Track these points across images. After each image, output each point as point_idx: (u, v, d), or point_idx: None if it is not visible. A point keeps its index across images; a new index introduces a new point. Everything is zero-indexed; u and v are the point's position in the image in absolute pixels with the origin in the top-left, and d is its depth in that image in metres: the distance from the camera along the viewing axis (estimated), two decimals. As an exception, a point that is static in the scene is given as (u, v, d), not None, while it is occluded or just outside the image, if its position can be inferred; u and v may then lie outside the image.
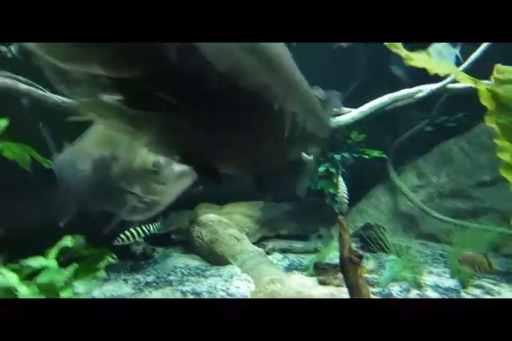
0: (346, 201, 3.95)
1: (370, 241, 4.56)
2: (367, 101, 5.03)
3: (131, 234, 3.80)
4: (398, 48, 2.72)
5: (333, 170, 5.62)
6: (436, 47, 3.96)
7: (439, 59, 3.54)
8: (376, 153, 5.56)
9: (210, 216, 5.23)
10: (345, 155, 5.56)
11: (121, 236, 3.75)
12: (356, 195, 5.82)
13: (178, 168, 2.23)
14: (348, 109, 5.02)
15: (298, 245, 5.28)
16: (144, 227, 3.90)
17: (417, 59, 2.73)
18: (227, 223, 5.12)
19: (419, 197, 5.66)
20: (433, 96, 5.02)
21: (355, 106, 5.02)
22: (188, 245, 5.12)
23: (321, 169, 5.61)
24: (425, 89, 4.87)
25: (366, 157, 5.53)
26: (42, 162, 2.19)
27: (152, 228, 3.98)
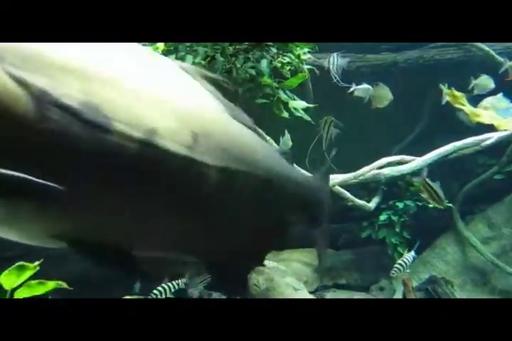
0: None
1: (437, 296, 4.29)
2: (431, 146, 4.90)
3: (164, 288, 3.86)
4: (463, 105, 2.65)
5: (395, 218, 5.43)
6: (490, 101, 3.82)
7: (496, 113, 3.41)
8: (441, 202, 5.32)
9: (266, 262, 5.17)
10: (408, 203, 5.37)
11: (155, 291, 3.82)
12: (420, 244, 5.56)
13: None
14: (410, 158, 4.90)
15: (357, 296, 5.07)
16: (175, 282, 3.98)
17: (484, 115, 2.64)
18: (284, 271, 5.03)
19: (490, 249, 5.30)
20: (502, 142, 4.81)
21: (419, 151, 4.90)
22: (244, 292, 5.06)
23: (383, 217, 5.44)
24: (493, 136, 4.67)
25: (430, 205, 5.30)
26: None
27: (181, 283, 4.06)
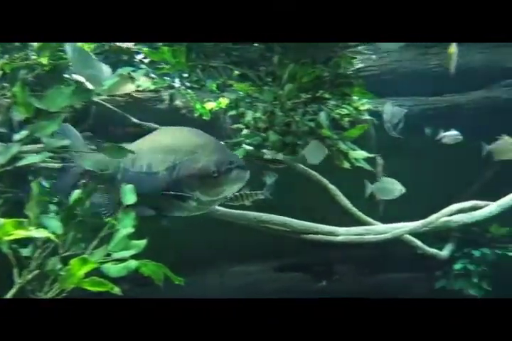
0: None
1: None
2: (503, 192, 4.62)
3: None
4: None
5: (471, 267, 5.08)
6: None
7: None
8: (523, 250, 4.93)
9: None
10: (486, 251, 5.02)
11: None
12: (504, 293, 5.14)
13: (234, 173, 2.50)
14: (483, 203, 4.63)
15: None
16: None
17: None
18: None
19: None
20: None
21: (492, 198, 4.63)
22: None
23: (458, 266, 5.11)
24: None
25: (510, 254, 4.93)
26: (174, 280, 2.33)
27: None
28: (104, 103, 4.42)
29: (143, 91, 4.50)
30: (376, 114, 4.52)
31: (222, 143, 3.23)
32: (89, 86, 3.59)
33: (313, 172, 4.38)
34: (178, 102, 4.69)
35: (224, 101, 4.31)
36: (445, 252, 5.03)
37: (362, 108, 3.60)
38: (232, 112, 3.76)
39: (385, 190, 4.30)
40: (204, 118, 4.42)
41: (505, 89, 5.35)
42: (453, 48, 3.58)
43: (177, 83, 4.45)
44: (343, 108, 3.59)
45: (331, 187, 4.47)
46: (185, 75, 4.34)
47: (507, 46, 5.17)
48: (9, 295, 2.18)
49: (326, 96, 3.45)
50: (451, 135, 4.58)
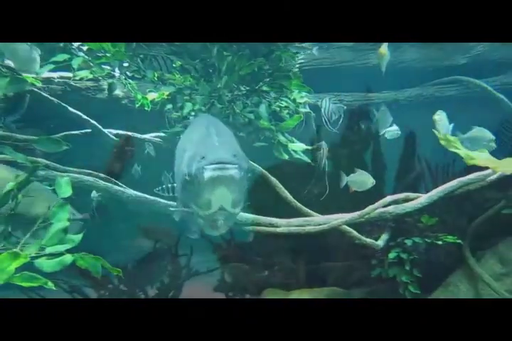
0: None
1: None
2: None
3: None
4: (458, 148, 2.67)
5: (404, 255, 5.33)
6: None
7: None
8: (450, 238, 5.22)
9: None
10: (417, 240, 5.28)
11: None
12: (432, 283, 5.44)
13: (207, 174, 2.09)
14: (415, 195, 4.88)
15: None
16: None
17: (479, 158, 2.64)
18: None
19: (504, 286, 5.14)
20: (508, 176, 4.76)
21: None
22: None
23: (392, 255, 5.35)
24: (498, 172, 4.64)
25: (440, 242, 5.21)
26: (112, 271, 2.31)
27: None
28: (40, 92, 4.27)
29: (81, 80, 4.38)
30: (317, 108, 4.64)
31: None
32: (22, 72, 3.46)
33: (255, 165, 4.44)
34: (118, 92, 4.61)
35: (166, 92, 4.27)
36: (380, 242, 5.25)
37: (300, 101, 3.69)
38: (169, 106, 3.74)
39: (358, 182, 4.49)
40: (146, 108, 4.37)
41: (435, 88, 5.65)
42: (384, 49, 3.73)
43: (117, 72, 4.37)
44: (283, 100, 3.67)
45: (273, 179, 4.56)
46: (126, 65, 4.26)
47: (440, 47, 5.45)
48: None
49: (265, 88, 3.51)
50: (391, 130, 4.78)
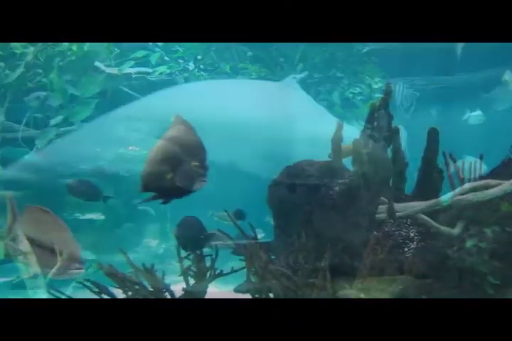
0: None
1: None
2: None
3: None
4: None
5: (482, 244, 5.13)
6: None
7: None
8: (534, 227, 4.95)
9: (347, 292, 5.10)
10: (496, 229, 5.06)
11: None
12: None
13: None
14: (496, 181, 4.66)
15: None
16: None
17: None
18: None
19: None
20: None
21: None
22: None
23: (469, 243, 5.16)
24: None
25: (521, 230, 4.96)
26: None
27: None
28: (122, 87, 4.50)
29: (160, 74, 4.56)
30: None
31: None
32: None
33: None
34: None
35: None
36: (457, 230, 5.08)
37: (375, 86, 3.65)
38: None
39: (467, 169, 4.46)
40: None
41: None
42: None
43: (191, 66, 4.51)
44: (356, 87, 3.64)
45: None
46: (199, 57, 4.40)
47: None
48: None
49: (339, 75, 3.49)
50: (475, 115, 4.66)
